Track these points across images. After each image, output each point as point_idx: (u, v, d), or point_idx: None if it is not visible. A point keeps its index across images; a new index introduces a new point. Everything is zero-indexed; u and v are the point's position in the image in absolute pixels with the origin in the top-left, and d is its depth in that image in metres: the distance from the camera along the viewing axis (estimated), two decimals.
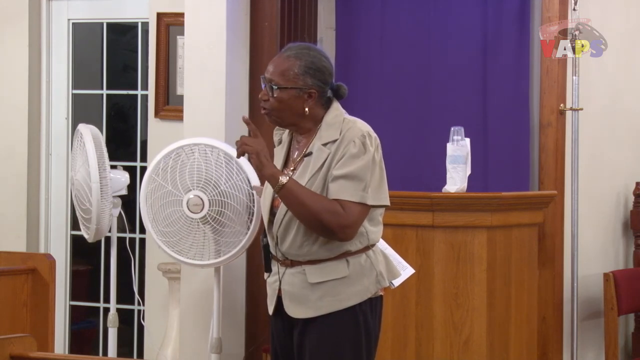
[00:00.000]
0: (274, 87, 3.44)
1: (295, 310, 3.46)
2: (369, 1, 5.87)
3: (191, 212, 4.85)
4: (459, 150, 4.83)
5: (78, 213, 5.39)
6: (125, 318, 6.14)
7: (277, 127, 3.65)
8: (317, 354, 3.43)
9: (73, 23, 6.50)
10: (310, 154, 3.47)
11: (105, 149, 5.33)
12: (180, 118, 5.68)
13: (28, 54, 6.39)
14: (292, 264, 3.47)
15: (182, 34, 5.79)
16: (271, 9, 5.66)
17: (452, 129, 4.87)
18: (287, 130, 3.60)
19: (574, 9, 5.26)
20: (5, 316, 4.82)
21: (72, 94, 6.50)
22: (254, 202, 4.80)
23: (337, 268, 3.43)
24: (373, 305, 3.49)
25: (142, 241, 6.14)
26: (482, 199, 4.82)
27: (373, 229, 3.48)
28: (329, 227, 3.36)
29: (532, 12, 5.59)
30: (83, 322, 6.65)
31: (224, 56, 5.48)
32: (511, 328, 4.83)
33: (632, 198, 5.63)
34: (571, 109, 5.36)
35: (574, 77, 5.29)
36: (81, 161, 5.29)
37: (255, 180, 4.81)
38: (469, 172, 4.88)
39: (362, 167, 3.39)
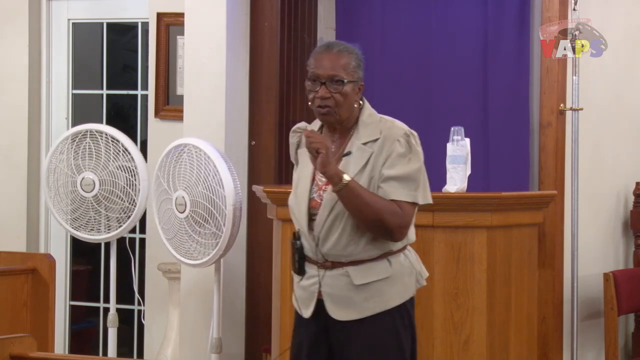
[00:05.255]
0: (344, 80, 3.41)
1: (339, 313, 3.42)
2: (369, 1, 5.86)
3: (178, 211, 4.89)
4: (459, 150, 4.82)
5: (95, 213, 5.38)
6: (125, 318, 6.14)
7: (294, 129, 3.59)
8: (364, 356, 3.39)
9: (73, 23, 6.50)
10: (349, 153, 3.43)
11: None
12: (180, 118, 5.68)
13: (28, 54, 6.39)
14: (333, 265, 3.42)
15: (182, 34, 5.79)
16: (271, 9, 5.67)
17: (452, 129, 4.86)
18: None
19: (574, 9, 5.26)
20: (5, 316, 4.82)
21: (72, 94, 6.50)
22: (226, 206, 4.80)
23: (380, 268, 3.41)
24: (413, 304, 3.49)
25: (142, 241, 6.14)
26: (482, 199, 4.82)
27: (411, 228, 3.48)
28: (389, 228, 3.35)
29: (532, 12, 5.59)
30: (83, 322, 6.65)
31: (224, 56, 5.48)
32: (511, 328, 4.82)
33: (632, 198, 5.63)
34: (571, 109, 5.36)
35: (574, 77, 5.29)
36: (105, 159, 5.32)
37: (228, 184, 4.80)
38: (469, 172, 4.87)
39: (415, 168, 3.40)
